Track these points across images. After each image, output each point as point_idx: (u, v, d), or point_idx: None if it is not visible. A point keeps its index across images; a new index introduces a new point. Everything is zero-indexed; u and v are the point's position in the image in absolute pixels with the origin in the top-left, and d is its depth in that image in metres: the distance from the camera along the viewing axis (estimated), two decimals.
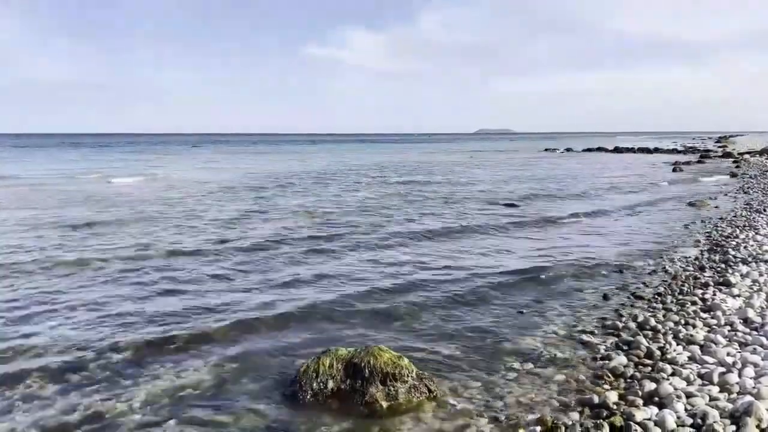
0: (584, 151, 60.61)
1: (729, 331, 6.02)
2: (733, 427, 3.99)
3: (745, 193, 19.56)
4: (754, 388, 4.55)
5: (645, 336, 6.01)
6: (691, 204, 16.99)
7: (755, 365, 5.04)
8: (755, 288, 7.57)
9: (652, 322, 6.41)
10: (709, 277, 8.33)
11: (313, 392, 4.82)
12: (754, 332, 5.92)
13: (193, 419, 4.55)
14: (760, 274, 8.18)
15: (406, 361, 4.99)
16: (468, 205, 17.35)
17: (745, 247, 10.10)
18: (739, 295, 7.26)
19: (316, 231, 12.67)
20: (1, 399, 4.87)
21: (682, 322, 6.42)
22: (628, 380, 5.03)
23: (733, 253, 9.71)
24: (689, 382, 4.84)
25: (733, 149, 49.75)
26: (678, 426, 4.11)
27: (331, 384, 4.85)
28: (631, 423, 4.15)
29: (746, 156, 41.02)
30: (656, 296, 7.56)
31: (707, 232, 12.06)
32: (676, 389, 4.65)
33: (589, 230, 12.96)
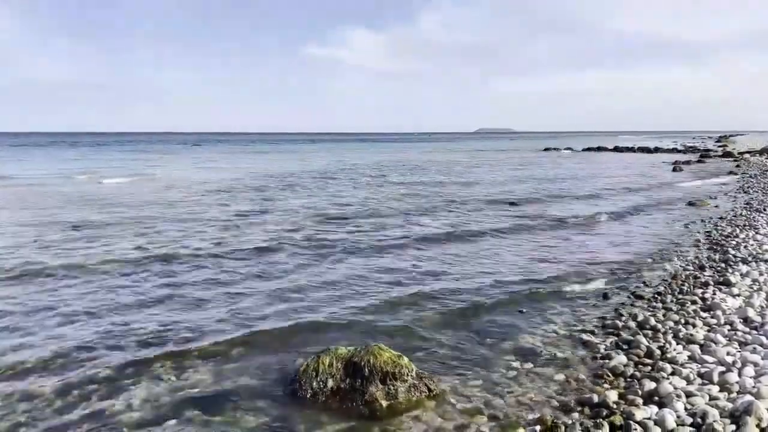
0: (584, 150, 60.59)
1: (729, 330, 6.02)
2: (733, 427, 3.99)
3: (745, 192, 19.56)
4: (754, 387, 4.55)
5: (645, 335, 6.01)
6: (691, 203, 16.99)
7: (755, 364, 5.04)
8: (755, 287, 7.57)
9: (652, 321, 6.41)
10: (709, 276, 8.32)
11: (313, 391, 4.82)
12: (754, 331, 5.92)
13: (193, 418, 4.55)
14: (760, 274, 8.18)
15: (405, 360, 4.99)
16: (469, 205, 17.33)
17: (745, 247, 10.10)
18: (739, 295, 7.26)
19: (316, 231, 12.67)
20: (1, 398, 4.87)
21: (682, 321, 6.42)
22: (628, 379, 5.04)
23: (733, 252, 9.71)
24: (689, 382, 4.85)
25: (733, 149, 49.72)
26: (678, 425, 4.11)
27: (330, 383, 4.85)
28: (631, 422, 4.15)
29: (746, 155, 41.02)
30: (656, 295, 7.56)
31: (707, 232, 12.05)
32: (675, 388, 4.65)
33: (589, 230, 12.96)
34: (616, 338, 6.05)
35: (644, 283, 8.29)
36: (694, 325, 6.23)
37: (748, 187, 20.88)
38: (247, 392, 5.00)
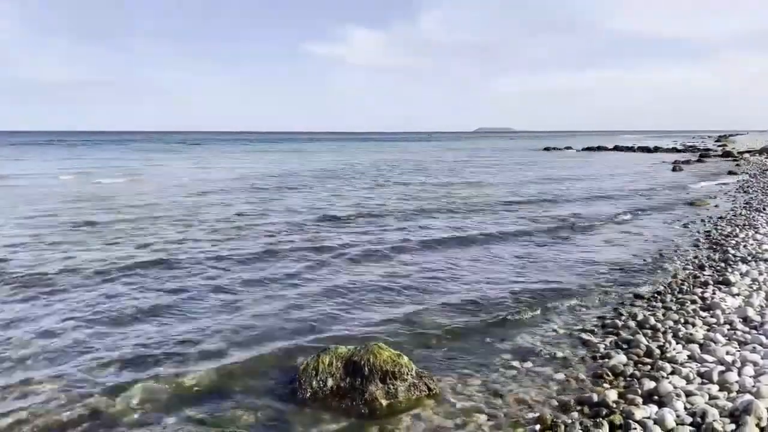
0: (584, 150, 60.59)
1: (728, 329, 6.03)
2: (733, 426, 3.99)
3: (745, 192, 19.56)
4: (753, 386, 4.55)
5: (644, 335, 6.01)
6: (690, 203, 17.00)
7: (755, 364, 5.05)
8: (755, 287, 7.57)
9: (652, 320, 6.41)
10: (709, 275, 8.33)
11: (313, 390, 4.82)
12: (754, 331, 5.92)
13: (192, 417, 4.55)
14: (760, 273, 8.18)
15: (405, 359, 4.99)
16: (470, 206, 17.32)
17: (744, 246, 10.10)
18: (738, 294, 7.26)
19: (316, 232, 12.67)
20: (1, 398, 4.87)
21: (682, 320, 6.42)
22: (628, 379, 5.04)
23: (732, 252, 9.71)
24: (689, 381, 4.85)
25: (733, 148, 49.73)
26: (677, 424, 4.11)
27: (330, 382, 4.85)
28: (631, 421, 4.15)
29: (746, 155, 41.03)
30: (656, 295, 7.57)
31: (707, 231, 12.05)
32: (675, 388, 4.65)
33: (589, 229, 12.95)
34: (615, 337, 6.05)
35: (644, 282, 8.29)
36: (693, 325, 6.23)
37: (747, 187, 20.88)
38: (246, 391, 5.00)
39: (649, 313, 6.77)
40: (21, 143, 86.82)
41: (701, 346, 5.61)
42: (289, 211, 15.72)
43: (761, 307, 6.64)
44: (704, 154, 43.78)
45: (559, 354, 5.70)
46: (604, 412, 4.40)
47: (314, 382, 4.86)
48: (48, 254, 10.08)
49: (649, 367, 5.24)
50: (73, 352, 5.81)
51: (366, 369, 4.83)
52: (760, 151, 42.54)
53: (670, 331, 6.09)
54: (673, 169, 31.18)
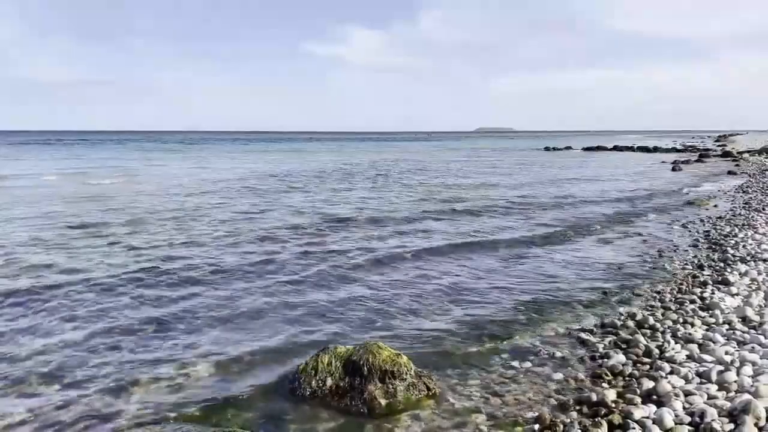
0: (584, 149, 60.60)
1: (727, 329, 6.03)
2: (732, 426, 3.99)
3: (744, 192, 19.57)
4: (752, 386, 4.55)
5: (643, 334, 6.01)
6: (690, 203, 17.00)
7: (753, 363, 5.05)
8: (754, 287, 7.58)
9: (651, 320, 6.42)
10: (708, 275, 8.33)
11: (312, 390, 4.83)
12: (753, 331, 5.93)
13: (192, 416, 4.56)
14: (759, 273, 8.18)
15: (404, 358, 4.99)
16: (471, 207, 17.32)
17: (743, 246, 10.11)
18: (737, 294, 7.27)
19: (316, 232, 12.67)
20: (1, 397, 4.88)
21: (681, 320, 6.43)
22: (627, 378, 5.04)
23: (731, 251, 9.72)
24: (687, 381, 4.85)
25: (733, 148, 49.74)
26: (676, 424, 4.11)
27: (329, 381, 4.86)
28: (630, 421, 4.16)
29: (745, 155, 41.04)
30: (655, 295, 7.57)
31: (706, 231, 12.06)
32: (674, 387, 4.65)
33: (589, 229, 12.95)
34: (614, 337, 6.06)
35: (643, 282, 8.30)
36: (692, 324, 6.24)
37: (746, 187, 20.89)
38: (245, 391, 5.00)
39: (648, 312, 6.78)
40: (18, 143, 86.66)
41: (700, 345, 5.62)
42: (289, 211, 15.71)
43: (760, 306, 6.64)
44: (704, 154, 43.79)
45: (558, 354, 5.70)
46: (602, 412, 4.40)
47: (313, 382, 4.86)
48: (45, 255, 10.07)
49: (648, 366, 5.25)
50: (71, 352, 5.81)
51: (365, 368, 4.83)
52: (760, 151, 42.56)
53: (669, 330, 6.10)
54: (673, 169, 31.19)
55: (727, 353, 5.29)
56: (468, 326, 6.57)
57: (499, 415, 4.52)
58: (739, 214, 14.28)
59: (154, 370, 5.38)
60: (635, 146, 60.36)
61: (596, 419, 4.26)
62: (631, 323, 6.44)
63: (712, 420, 4.05)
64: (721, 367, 4.98)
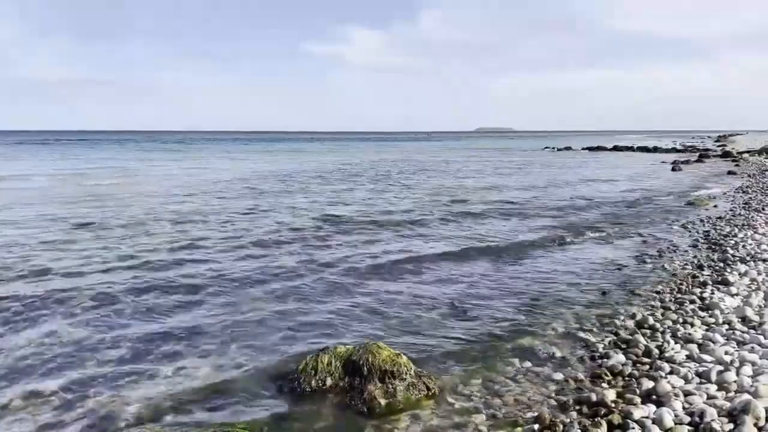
0: (584, 150, 60.61)
1: (727, 329, 6.03)
2: (731, 426, 3.99)
3: (744, 192, 19.57)
4: (752, 386, 4.56)
5: (643, 334, 6.01)
6: (689, 203, 17.01)
7: (753, 364, 5.05)
8: (753, 287, 7.58)
9: (651, 320, 6.42)
10: (708, 275, 8.33)
11: (312, 390, 4.83)
12: (752, 331, 5.93)
13: (191, 415, 4.56)
14: (759, 273, 8.19)
15: (404, 358, 5.00)
16: (470, 207, 17.35)
17: (743, 246, 10.11)
18: (737, 294, 7.27)
19: (316, 233, 12.67)
20: (1, 397, 4.88)
21: (681, 320, 6.43)
22: (626, 378, 5.04)
23: (731, 252, 9.72)
24: (687, 381, 4.85)
25: (733, 148, 49.74)
26: (676, 424, 4.11)
27: (329, 381, 4.86)
28: (629, 421, 4.16)
29: (745, 155, 41.04)
30: (655, 295, 7.58)
31: (706, 231, 12.06)
32: (674, 387, 4.65)
33: (588, 229, 12.95)
34: (614, 337, 6.06)
35: (642, 282, 8.30)
36: (692, 324, 6.24)
37: (746, 187, 20.90)
38: (245, 391, 5.00)
39: (648, 312, 6.78)
40: (17, 143, 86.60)
41: (700, 345, 5.62)
42: (290, 212, 15.71)
43: (760, 307, 6.65)
44: (704, 154, 43.78)
45: (558, 354, 5.70)
46: (602, 412, 4.40)
47: (313, 382, 4.87)
48: (44, 256, 10.07)
49: (647, 366, 5.25)
50: (71, 352, 5.80)
51: (365, 368, 4.83)
52: (760, 151, 42.55)
53: (668, 330, 6.10)
54: (673, 170, 31.20)
55: (726, 353, 5.30)
56: (468, 326, 6.57)
57: (499, 415, 4.52)
58: (739, 214, 14.29)
59: (154, 370, 5.38)
60: (635, 146, 60.38)
61: (596, 419, 4.26)
62: (630, 323, 6.44)
63: (712, 420, 4.05)
64: (721, 367, 4.98)
